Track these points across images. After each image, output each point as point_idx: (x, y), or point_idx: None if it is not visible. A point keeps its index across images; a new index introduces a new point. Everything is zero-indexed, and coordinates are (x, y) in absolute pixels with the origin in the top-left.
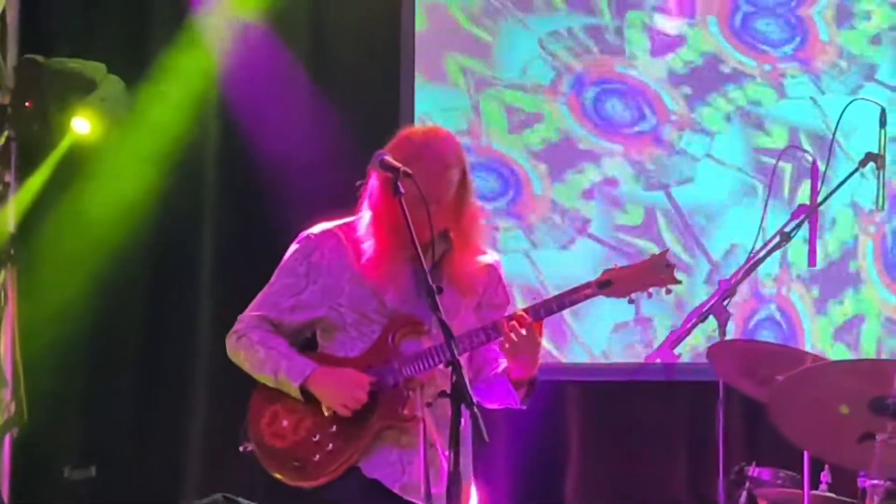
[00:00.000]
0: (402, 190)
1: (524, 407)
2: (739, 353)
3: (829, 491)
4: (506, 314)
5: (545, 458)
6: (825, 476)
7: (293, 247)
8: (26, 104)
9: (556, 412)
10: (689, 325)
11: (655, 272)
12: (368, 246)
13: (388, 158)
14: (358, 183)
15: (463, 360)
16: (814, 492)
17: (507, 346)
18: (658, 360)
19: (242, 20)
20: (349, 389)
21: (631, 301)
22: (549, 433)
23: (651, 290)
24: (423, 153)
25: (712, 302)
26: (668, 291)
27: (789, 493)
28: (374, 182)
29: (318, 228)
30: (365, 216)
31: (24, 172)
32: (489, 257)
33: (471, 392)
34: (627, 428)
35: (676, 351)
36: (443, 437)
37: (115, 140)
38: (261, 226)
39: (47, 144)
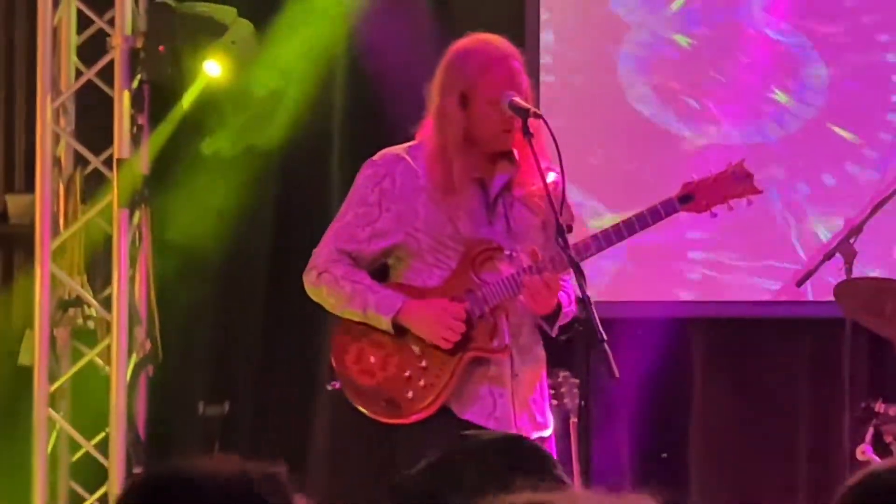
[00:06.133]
0: (532, 132)
1: (559, 336)
2: (866, 291)
3: None
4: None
5: (667, 393)
6: None
7: (360, 175)
8: (159, 48)
9: (679, 347)
10: (815, 263)
11: (734, 183)
12: (436, 169)
13: (518, 100)
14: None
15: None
16: None
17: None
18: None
19: None
20: (446, 321)
21: (713, 215)
22: (671, 368)
23: (731, 202)
24: (487, 56)
25: (839, 240)
26: (749, 202)
27: None
28: (439, 106)
29: (383, 154)
30: (431, 139)
31: (156, 115)
32: (551, 175)
33: (601, 328)
34: (751, 365)
35: (801, 288)
36: (525, 366)
37: (244, 81)
38: None
39: (179, 87)
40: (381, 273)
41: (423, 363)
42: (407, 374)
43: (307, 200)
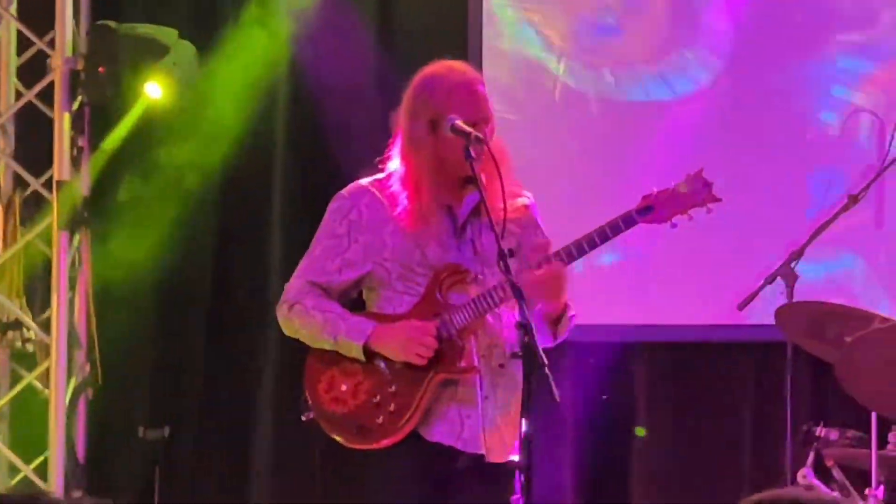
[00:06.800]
0: (473, 155)
1: (557, 342)
2: (807, 315)
3: None
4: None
5: (610, 417)
6: (893, 436)
7: (329, 209)
8: (99, 69)
9: (622, 372)
10: (757, 287)
11: (694, 192)
12: (405, 197)
13: (460, 123)
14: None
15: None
16: (881, 452)
17: (533, 292)
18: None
19: None
20: (417, 338)
21: (673, 225)
22: (614, 392)
23: (691, 211)
24: (453, 82)
25: (780, 264)
26: (709, 210)
27: (857, 453)
28: (408, 133)
29: (350, 187)
30: (398, 169)
31: (96, 137)
32: (522, 199)
33: (541, 353)
34: (694, 388)
35: (743, 312)
36: (498, 388)
37: (186, 103)
38: (329, 180)
39: (120, 109)
40: (356, 307)
41: (393, 388)
42: (377, 399)
43: (248, 223)
